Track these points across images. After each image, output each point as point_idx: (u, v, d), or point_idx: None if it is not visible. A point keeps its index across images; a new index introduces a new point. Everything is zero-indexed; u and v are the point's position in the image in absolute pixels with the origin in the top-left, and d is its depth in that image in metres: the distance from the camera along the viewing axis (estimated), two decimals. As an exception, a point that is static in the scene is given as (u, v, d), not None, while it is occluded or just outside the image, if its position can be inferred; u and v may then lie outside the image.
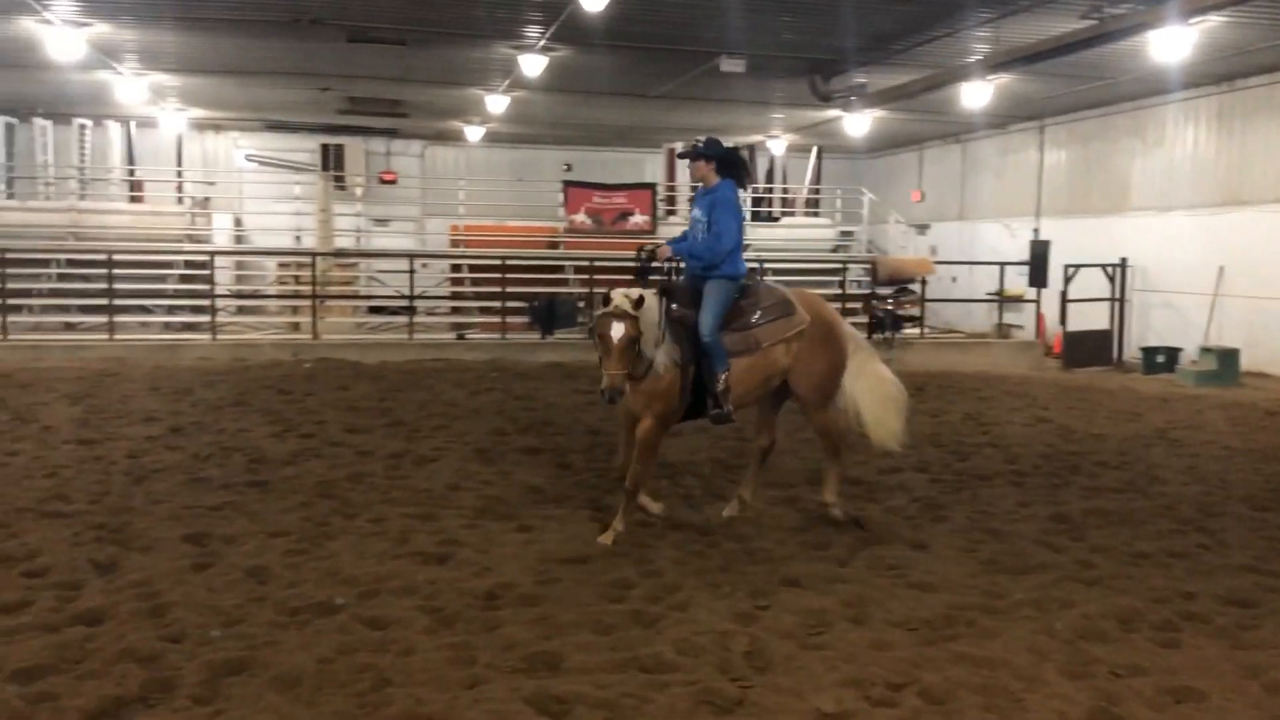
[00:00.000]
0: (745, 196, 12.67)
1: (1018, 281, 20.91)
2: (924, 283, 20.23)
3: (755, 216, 24.35)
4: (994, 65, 15.46)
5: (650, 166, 28.23)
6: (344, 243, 23.38)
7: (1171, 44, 13.23)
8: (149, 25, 15.56)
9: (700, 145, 7.36)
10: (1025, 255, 21.12)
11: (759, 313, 7.27)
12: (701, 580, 6.25)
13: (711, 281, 7.14)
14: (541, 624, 5.47)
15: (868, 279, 20.82)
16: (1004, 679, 4.88)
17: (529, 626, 5.43)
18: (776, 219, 24.67)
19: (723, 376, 7.01)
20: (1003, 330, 20.90)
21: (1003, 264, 20.65)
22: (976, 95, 16.71)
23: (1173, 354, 17.74)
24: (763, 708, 4.58)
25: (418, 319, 18.98)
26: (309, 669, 4.83)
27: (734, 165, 7.41)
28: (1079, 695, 4.72)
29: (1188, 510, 8.22)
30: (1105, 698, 4.70)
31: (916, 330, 20.13)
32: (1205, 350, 16.85)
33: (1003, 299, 20.70)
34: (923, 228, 27.54)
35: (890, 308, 19.55)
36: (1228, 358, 16.47)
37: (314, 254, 19.93)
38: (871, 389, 7.57)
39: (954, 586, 6.25)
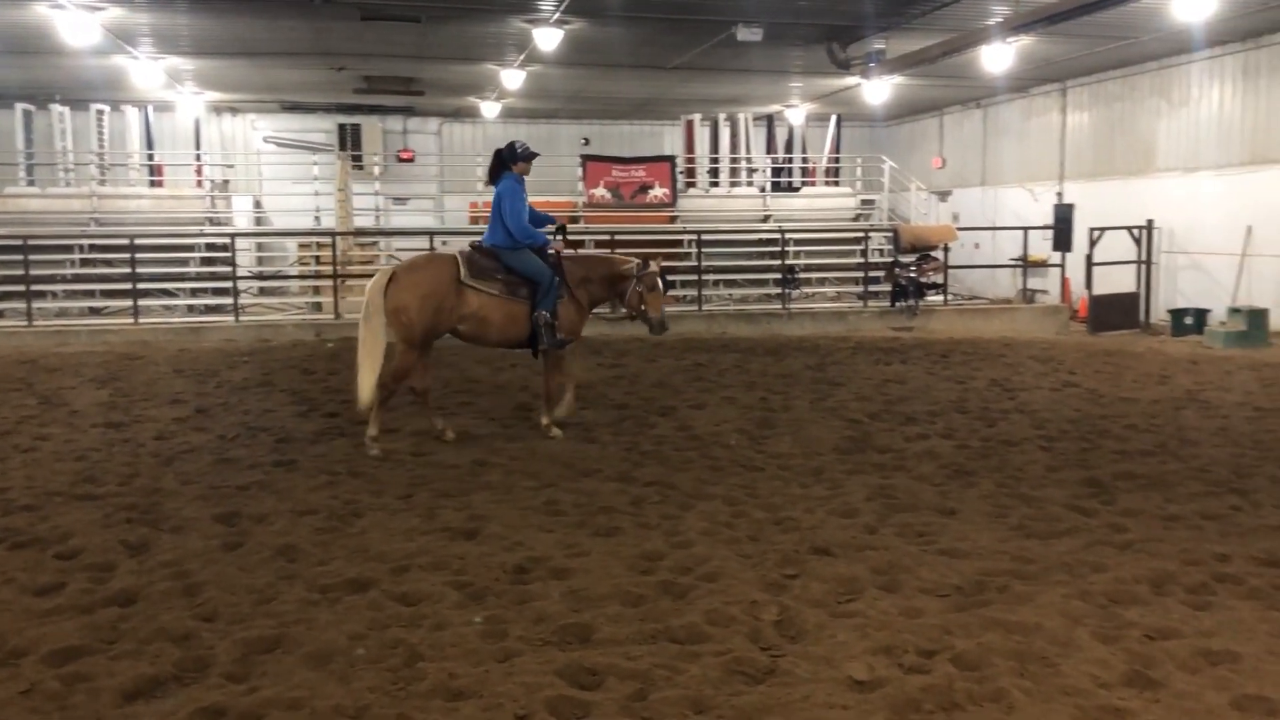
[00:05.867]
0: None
1: (1042, 246, 20.75)
2: (947, 249, 20.08)
3: (775, 187, 24.23)
4: (1014, 27, 15.24)
5: (669, 138, 28.10)
6: (363, 222, 23.44)
7: (1195, 1, 13.01)
8: (162, 8, 15.58)
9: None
10: (1049, 219, 20.94)
11: None
12: (731, 550, 6.24)
13: None
14: (572, 597, 5.47)
15: (890, 247, 20.68)
16: (1037, 644, 4.84)
17: (560, 600, 5.43)
18: (797, 189, 24.52)
19: None
20: (1027, 295, 20.73)
21: (1026, 229, 20.48)
22: (997, 58, 16.49)
23: (1201, 315, 17.57)
24: (794, 676, 4.56)
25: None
26: (341, 645, 4.85)
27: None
28: (1113, 659, 4.68)
29: (1220, 472, 8.15)
30: (1139, 661, 4.66)
31: (940, 298, 20.00)
32: (1234, 311, 16.67)
33: (1027, 264, 20.53)
34: (944, 194, 27.32)
35: (914, 275, 19.41)
36: (1256, 318, 16.28)
37: (334, 234, 19.96)
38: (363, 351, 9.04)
39: (984, 552, 6.21)
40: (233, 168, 25.80)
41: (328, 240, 19.75)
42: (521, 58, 19.21)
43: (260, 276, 21.94)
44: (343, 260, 19.31)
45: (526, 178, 9.54)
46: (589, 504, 7.28)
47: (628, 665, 4.64)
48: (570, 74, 21.09)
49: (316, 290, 20.25)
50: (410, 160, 27.35)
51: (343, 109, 26.53)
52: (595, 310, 10.13)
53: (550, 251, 9.49)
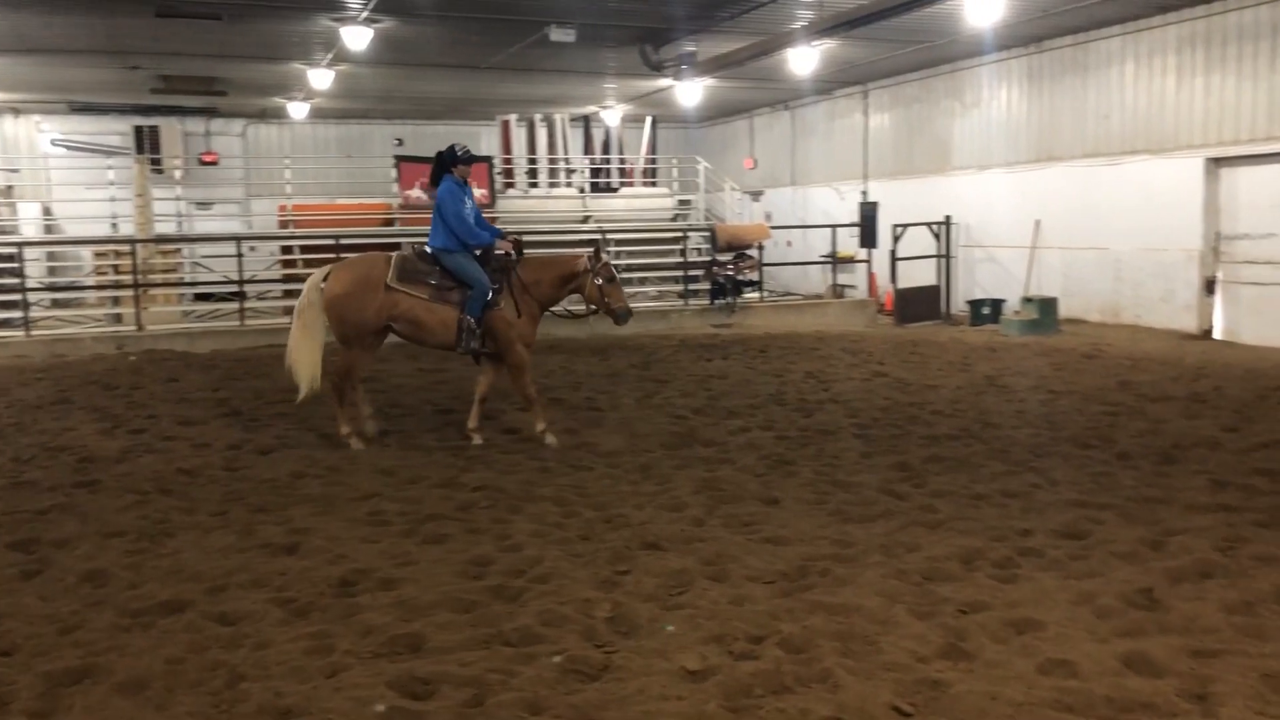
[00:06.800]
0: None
1: (849, 243, 21.55)
2: (761, 248, 20.62)
3: (594, 187, 24.35)
4: (819, 30, 15.79)
5: (486, 139, 27.88)
6: (165, 228, 22.33)
7: (985, 7, 13.77)
8: (-69, 1, 14.46)
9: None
10: (855, 217, 21.76)
11: None
12: (562, 551, 6.24)
13: None
14: (401, 607, 5.36)
15: (708, 246, 21.09)
16: (859, 624, 5.03)
17: (388, 610, 5.31)
18: (615, 189, 24.72)
19: None
20: (837, 291, 21.50)
21: (834, 226, 21.22)
22: (803, 61, 17.04)
23: (997, 305, 18.60)
24: (629, 671, 4.60)
25: (249, 304, 18.30)
26: (157, 671, 4.61)
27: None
28: (929, 634, 4.90)
29: (1019, 452, 8.65)
30: (953, 634, 4.89)
31: (756, 294, 20.53)
32: (1026, 300, 17.73)
33: (836, 260, 21.29)
34: (757, 194, 28.05)
35: (731, 273, 19.86)
36: (1047, 307, 17.36)
37: (133, 241, 18.95)
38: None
39: (806, 538, 6.41)
40: (17, 172, 24.18)
41: (127, 248, 18.73)
42: (330, 57, 18.70)
43: (53, 288, 20.64)
44: (144, 269, 18.36)
45: (467, 180, 9.54)
46: (415, 512, 7.15)
47: (461, 672, 4.59)
48: (382, 73, 20.67)
49: (116, 301, 19.17)
50: (214, 163, 26.24)
51: (139, 110, 25.21)
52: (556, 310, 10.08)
53: (498, 252, 9.39)
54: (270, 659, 4.73)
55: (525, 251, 9.62)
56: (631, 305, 9.89)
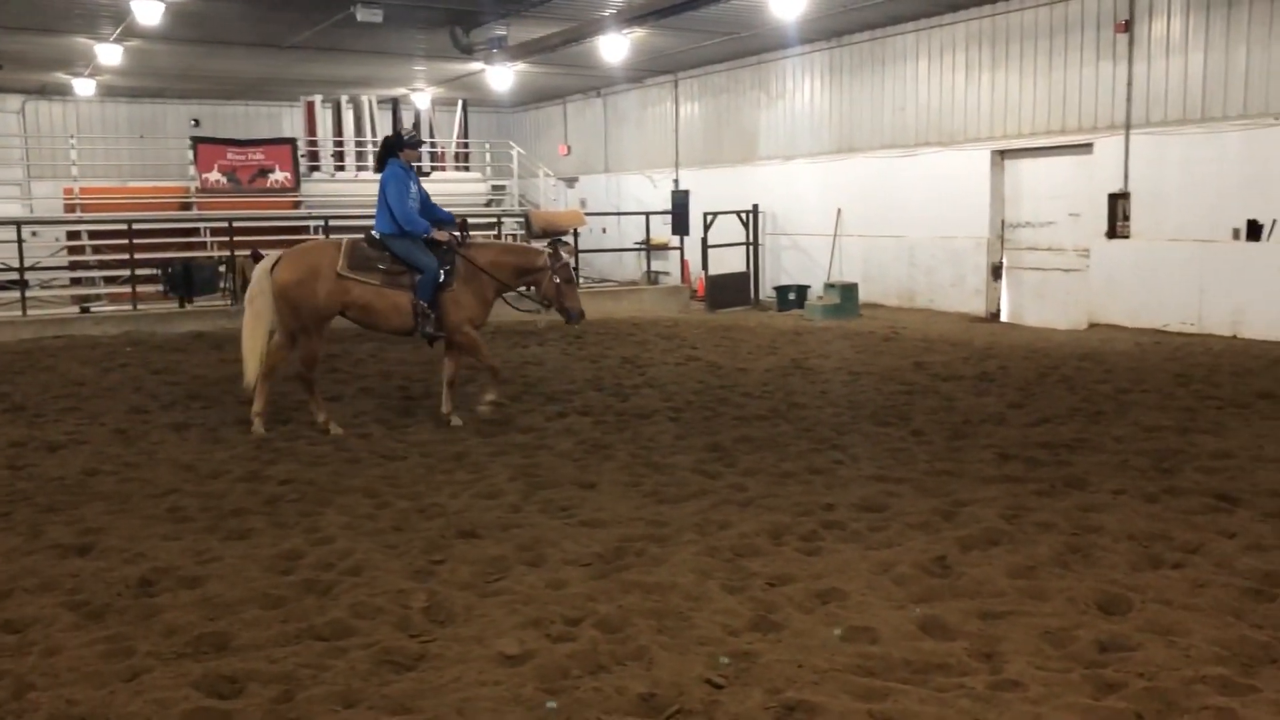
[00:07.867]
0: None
1: (662, 230, 21.87)
2: (576, 234, 20.68)
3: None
4: (628, 18, 15.95)
5: (289, 120, 26.96)
6: (-67, 211, 20.69)
7: (787, 1, 14.19)
8: None
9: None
10: (668, 205, 22.09)
11: None
12: (375, 542, 6.12)
13: None
14: (205, 605, 5.15)
15: (523, 232, 21.01)
16: (673, 601, 5.13)
17: (191, 609, 5.09)
18: (427, 174, 24.31)
19: None
20: (651, 277, 21.79)
21: (648, 214, 21.49)
22: (613, 48, 17.19)
23: (802, 291, 19.25)
24: (445, 659, 4.56)
25: (31, 293, 17.15)
26: (-69, 686, 4.29)
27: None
28: (740, 608, 5.05)
29: (824, 431, 8.99)
30: (763, 607, 5.05)
31: (571, 280, 20.57)
32: (829, 286, 18.41)
33: (650, 247, 21.57)
34: (571, 181, 28.12)
35: (546, 259, 19.83)
36: (848, 292, 18.08)
37: (-106, 226, 17.49)
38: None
39: (622, 520, 6.49)
40: None
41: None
42: (118, 31, 17.69)
43: None
44: (-92, 255, 16.98)
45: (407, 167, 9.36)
46: (218, 507, 6.88)
47: (270, 669, 4.45)
48: (177, 50, 19.69)
49: (-124, 291, 17.66)
50: (-12, 142, 24.48)
51: (-103, 84, 23.27)
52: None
53: (443, 241, 9.28)
54: (61, 665, 4.47)
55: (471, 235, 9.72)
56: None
